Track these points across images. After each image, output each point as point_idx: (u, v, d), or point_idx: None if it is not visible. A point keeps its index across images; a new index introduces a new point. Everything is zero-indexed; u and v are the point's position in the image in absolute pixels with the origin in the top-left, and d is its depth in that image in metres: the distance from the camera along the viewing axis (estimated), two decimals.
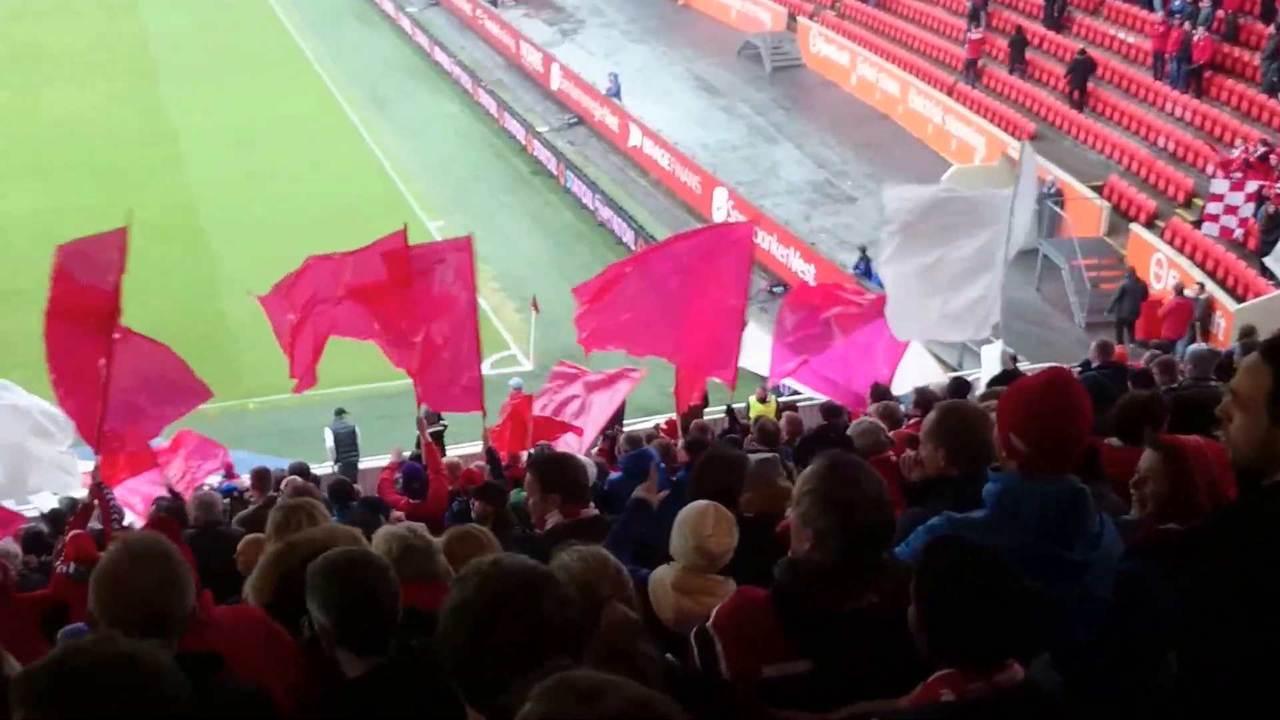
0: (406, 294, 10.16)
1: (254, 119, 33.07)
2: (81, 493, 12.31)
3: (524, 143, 32.05)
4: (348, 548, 3.22)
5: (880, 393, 10.85)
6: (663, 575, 3.96)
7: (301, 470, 11.16)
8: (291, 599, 3.39)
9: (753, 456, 5.53)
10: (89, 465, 12.22)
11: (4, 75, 35.61)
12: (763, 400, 15.43)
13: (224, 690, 2.66)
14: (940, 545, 2.67)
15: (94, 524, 8.78)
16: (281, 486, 9.86)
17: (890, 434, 7.22)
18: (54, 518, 11.27)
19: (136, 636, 2.66)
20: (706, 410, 13.10)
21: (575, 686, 1.68)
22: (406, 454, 11.72)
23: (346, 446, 15.66)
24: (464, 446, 14.38)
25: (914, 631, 2.67)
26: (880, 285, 13.05)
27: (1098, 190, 23.65)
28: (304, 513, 4.15)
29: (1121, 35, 26.81)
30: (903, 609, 2.74)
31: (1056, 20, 28.19)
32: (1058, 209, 23.23)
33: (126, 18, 42.48)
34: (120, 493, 10.81)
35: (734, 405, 11.54)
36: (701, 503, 4.02)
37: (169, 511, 10.44)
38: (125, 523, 10.35)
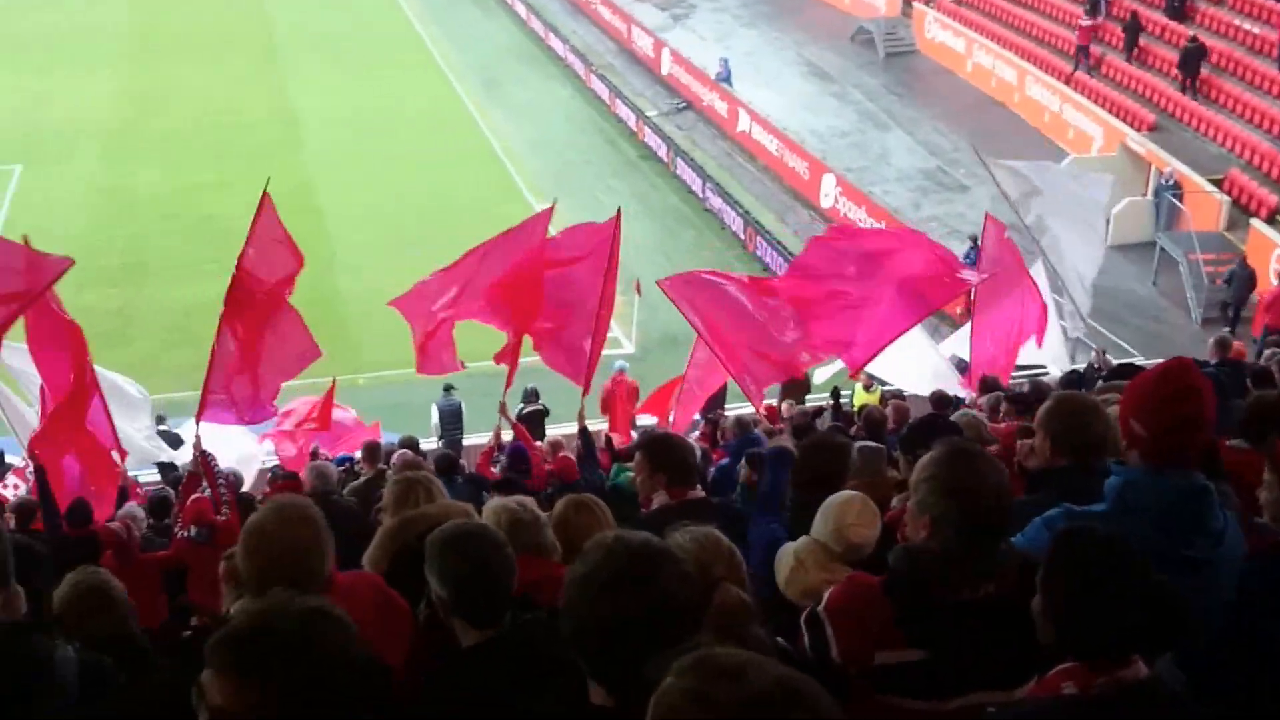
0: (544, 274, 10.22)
1: (371, 101, 33.63)
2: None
3: (633, 128, 32.08)
4: (466, 521, 3.25)
5: (989, 384, 10.63)
6: (791, 546, 3.97)
7: (411, 444, 11.30)
8: (407, 573, 3.44)
9: (858, 445, 5.46)
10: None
11: (140, 58, 36.68)
12: (868, 388, 15.21)
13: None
14: (1073, 535, 2.58)
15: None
16: (391, 460, 10.02)
17: (992, 427, 7.08)
18: (173, 480, 11.61)
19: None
20: (807, 397, 12.97)
21: (719, 663, 1.64)
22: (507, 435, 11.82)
23: (451, 423, 15.83)
24: (568, 427, 14.51)
25: (1039, 623, 2.60)
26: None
27: (1217, 184, 22.86)
28: (422, 488, 4.18)
29: (1246, 25, 25.85)
30: (1019, 599, 2.67)
31: (1178, 9, 27.27)
32: (1176, 202, 22.53)
33: (254, 2, 43.47)
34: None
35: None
36: (852, 491, 4.00)
37: (285, 479, 10.69)
38: (244, 487, 10.64)
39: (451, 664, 2.89)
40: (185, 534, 8.23)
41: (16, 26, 38.66)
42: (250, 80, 35.12)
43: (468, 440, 15.37)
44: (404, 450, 10.09)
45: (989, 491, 2.83)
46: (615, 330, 21.60)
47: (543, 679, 2.55)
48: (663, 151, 30.15)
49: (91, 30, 38.77)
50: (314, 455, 12.58)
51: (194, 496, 8.49)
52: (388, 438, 12.37)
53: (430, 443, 14.79)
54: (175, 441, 13.09)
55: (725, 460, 7.91)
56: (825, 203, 26.29)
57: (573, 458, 8.88)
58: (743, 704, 1.58)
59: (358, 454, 11.78)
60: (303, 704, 2.06)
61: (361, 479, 9.94)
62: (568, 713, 2.29)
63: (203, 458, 9.15)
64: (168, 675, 3.54)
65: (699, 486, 4.74)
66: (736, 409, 13.29)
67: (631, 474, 8.53)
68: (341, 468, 11.43)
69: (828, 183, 26.54)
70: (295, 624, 2.11)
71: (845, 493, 4.01)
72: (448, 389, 15.83)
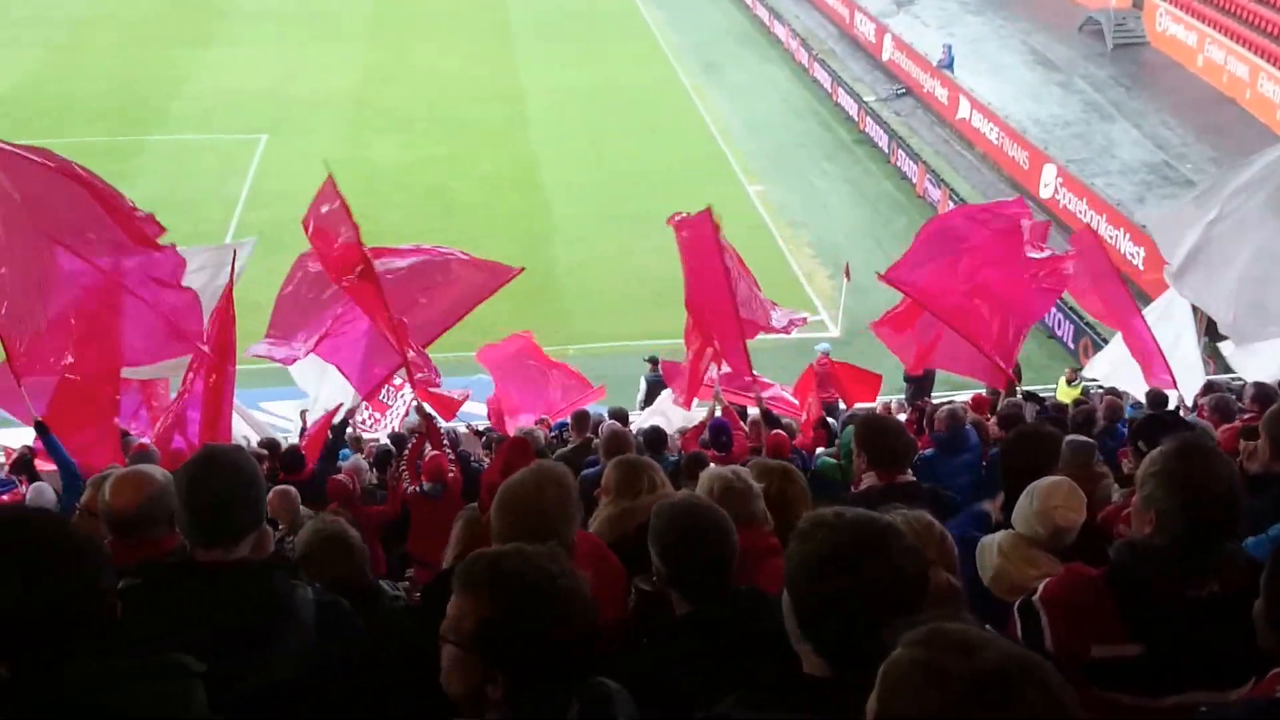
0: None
1: (595, 80, 34.20)
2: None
3: (849, 112, 31.62)
4: (690, 496, 3.27)
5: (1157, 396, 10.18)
6: (994, 538, 3.89)
7: (620, 416, 11.45)
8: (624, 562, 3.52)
9: (1068, 439, 5.28)
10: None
11: (381, 36, 38.22)
12: (1071, 383, 14.67)
13: None
14: None
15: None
16: (599, 431, 10.19)
17: (1220, 430, 6.72)
18: (396, 440, 12.10)
19: None
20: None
21: (951, 636, 1.62)
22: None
23: (657, 396, 15.97)
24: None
25: (1259, 626, 2.48)
26: None
27: None
28: (646, 475, 4.19)
29: None
30: (1243, 600, 2.56)
31: None
32: None
33: None
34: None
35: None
36: (1058, 476, 3.91)
37: (515, 441, 11.02)
38: (460, 448, 11.03)
39: (666, 632, 2.93)
40: (417, 488, 8.60)
41: (271, 4, 40.81)
42: (482, 58, 36.15)
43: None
44: (612, 421, 10.25)
45: (1219, 489, 2.72)
46: (821, 313, 21.47)
47: (753, 650, 2.57)
48: (878, 135, 29.61)
49: (338, 9, 40.59)
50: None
51: (431, 453, 8.84)
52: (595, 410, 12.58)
53: (635, 415, 15.00)
54: None
55: (931, 450, 7.73)
56: (1044, 193, 25.33)
57: (785, 435, 8.84)
58: (975, 677, 1.55)
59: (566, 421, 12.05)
60: (536, 626, 2.16)
61: (570, 446, 10.15)
62: (780, 684, 2.29)
63: (428, 419, 9.52)
64: (401, 619, 3.72)
65: (909, 471, 4.67)
66: (943, 398, 13.02)
67: (830, 459, 8.48)
68: (553, 435, 11.71)
69: (1048, 173, 25.56)
70: (541, 557, 2.25)
71: (1052, 477, 3.89)
72: (653, 361, 15.96)
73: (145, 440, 9.22)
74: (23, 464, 10.38)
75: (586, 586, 2.25)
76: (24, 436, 11.12)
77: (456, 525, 4.12)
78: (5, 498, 11.75)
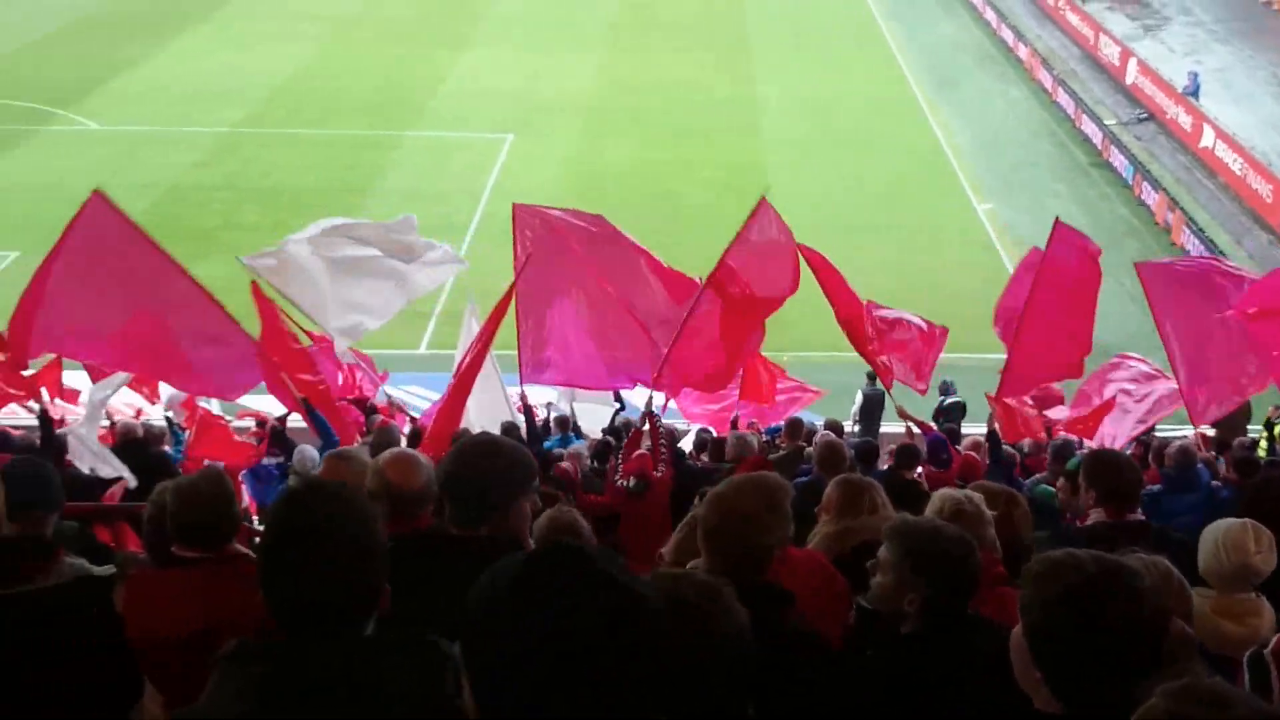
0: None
1: (829, 90, 33.89)
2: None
3: (1089, 135, 30.30)
4: (933, 519, 3.23)
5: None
6: (1199, 602, 3.67)
7: (835, 428, 11.34)
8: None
9: None
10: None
11: (623, 42, 38.95)
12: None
13: (787, 628, 2.77)
14: None
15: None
16: (814, 440, 10.12)
17: None
18: (614, 433, 12.31)
19: (734, 562, 2.84)
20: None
21: (1205, 691, 1.64)
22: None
23: (872, 410, 15.73)
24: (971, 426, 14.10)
25: None
26: None
27: None
28: (868, 495, 4.17)
29: None
30: None
31: None
32: None
33: None
34: None
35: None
36: (1235, 521, 3.68)
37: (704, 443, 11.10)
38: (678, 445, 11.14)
39: (893, 649, 2.91)
40: (624, 484, 8.76)
41: (522, 9, 42.15)
42: (719, 66, 36.33)
43: (885, 428, 15.23)
44: (827, 432, 10.17)
45: None
46: None
47: (977, 678, 2.52)
48: (1123, 164, 28.22)
49: (584, 16, 41.57)
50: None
51: (638, 452, 8.97)
52: (810, 417, 12.46)
53: (848, 427, 14.80)
54: None
55: (1158, 487, 7.36)
56: None
57: (976, 457, 8.59)
58: None
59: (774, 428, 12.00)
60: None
61: (782, 453, 10.13)
62: (1004, 714, 2.26)
63: (650, 416, 9.64)
64: None
65: (1138, 509, 4.48)
66: (1170, 431, 12.35)
67: (1048, 487, 8.18)
68: (765, 439, 11.69)
69: None
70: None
71: (1229, 523, 3.66)
72: (872, 376, 15.69)
73: (385, 418, 9.71)
74: (276, 436, 11.13)
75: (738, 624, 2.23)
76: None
77: (679, 529, 4.18)
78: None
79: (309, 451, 9.40)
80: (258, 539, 3.73)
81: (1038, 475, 9.38)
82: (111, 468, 8.83)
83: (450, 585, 2.74)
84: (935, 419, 14.85)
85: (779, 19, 41.57)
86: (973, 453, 9.24)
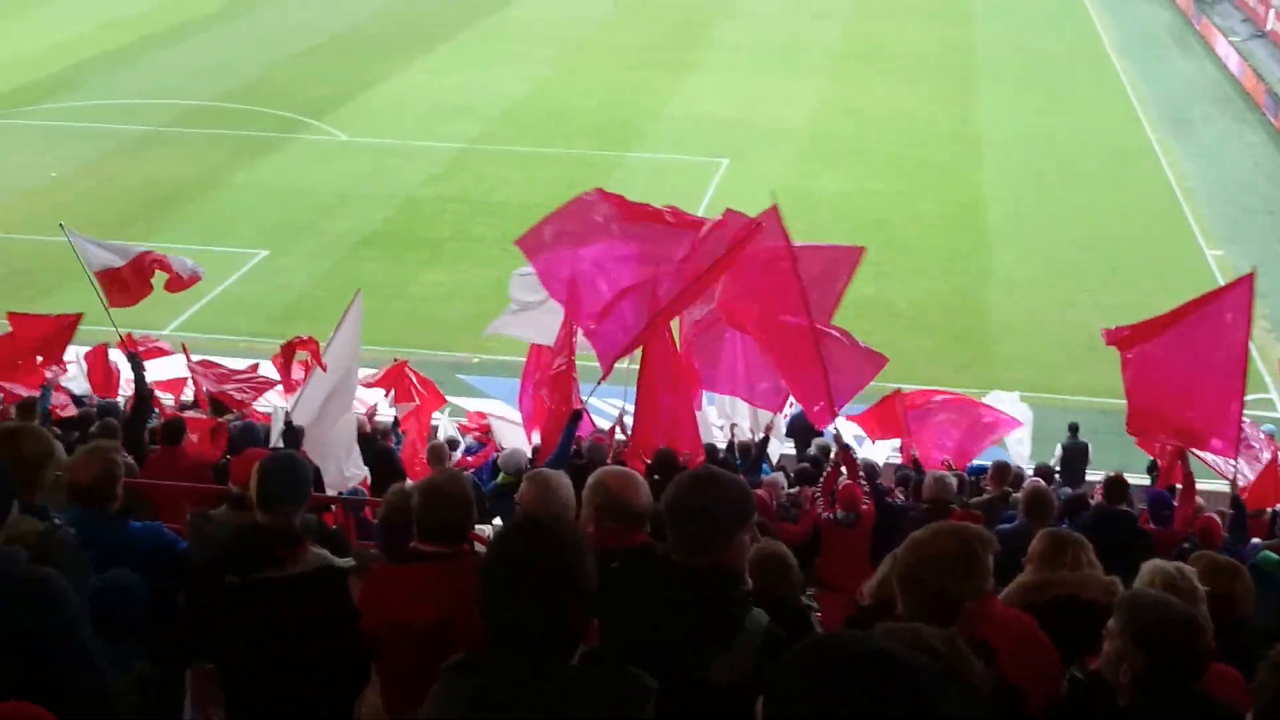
0: None
1: (1056, 128, 32.73)
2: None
3: None
4: (1163, 594, 3.13)
5: None
6: None
7: (1045, 474, 10.96)
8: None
9: None
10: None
11: (843, 68, 38.69)
12: None
13: (985, 680, 2.73)
14: None
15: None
16: (1022, 486, 9.79)
17: None
18: (814, 460, 12.24)
19: (924, 608, 2.82)
20: None
21: None
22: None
23: (1075, 462, 14.98)
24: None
25: None
26: None
27: None
28: (1072, 549, 4.05)
29: None
30: None
31: None
32: None
33: (959, 27, 44.02)
34: None
35: None
36: None
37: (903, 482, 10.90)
38: (877, 480, 11.00)
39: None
40: (831, 515, 8.70)
41: (747, 36, 42.38)
42: (943, 98, 35.61)
43: (1092, 475, 14.56)
44: (1036, 479, 9.84)
45: None
46: (1271, 391, 19.43)
47: None
48: None
49: (808, 43, 41.47)
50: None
51: (846, 482, 8.91)
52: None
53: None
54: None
55: None
56: None
57: (1217, 519, 8.10)
58: None
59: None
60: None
61: (986, 497, 9.85)
62: None
63: (844, 450, 9.52)
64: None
65: None
66: None
67: (1272, 554, 7.67)
68: (970, 477, 11.41)
69: None
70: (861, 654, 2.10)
71: None
72: (1074, 429, 15.03)
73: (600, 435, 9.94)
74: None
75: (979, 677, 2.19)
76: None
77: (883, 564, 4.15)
78: (472, 460, 13.09)
79: (521, 455, 9.72)
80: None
81: (1258, 541, 8.82)
82: (357, 468, 9.38)
83: (673, 614, 2.83)
84: (1062, 462, 14.23)
85: (1008, 53, 40.48)
86: (1214, 515, 8.73)
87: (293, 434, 9.18)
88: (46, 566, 2.96)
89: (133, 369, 9.75)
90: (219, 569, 3.70)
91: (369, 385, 14.05)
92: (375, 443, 11.97)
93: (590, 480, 3.76)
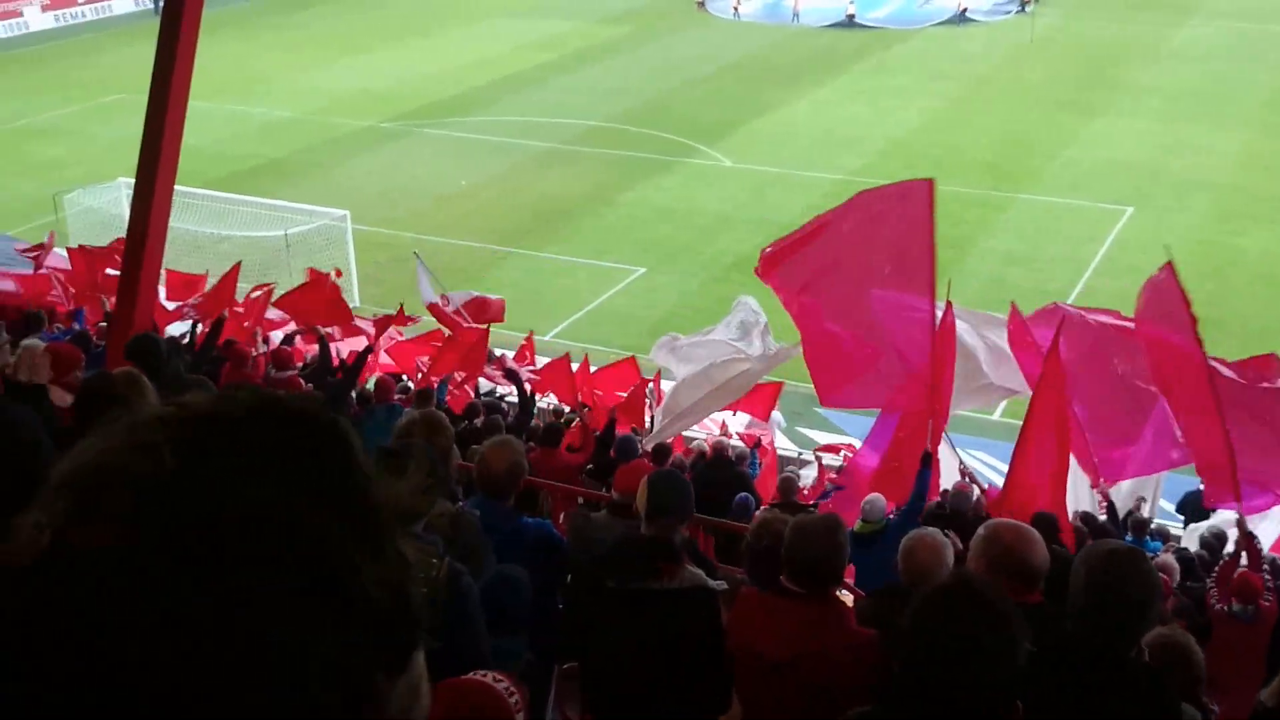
0: None
1: None
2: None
3: None
4: None
5: None
6: None
7: None
8: None
9: None
10: None
11: (1273, 119, 35.44)
12: None
13: None
14: None
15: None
16: None
17: None
18: (1208, 546, 11.21)
19: None
20: None
21: None
22: None
23: None
24: None
25: None
26: None
27: None
28: None
29: None
30: None
31: None
32: None
33: None
34: None
35: None
36: None
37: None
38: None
39: None
40: (1225, 607, 7.95)
41: (1163, 80, 39.72)
42: None
43: None
44: None
45: None
46: None
47: None
48: None
49: (1235, 90, 38.32)
50: None
51: (1242, 571, 8.13)
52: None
53: None
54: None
55: None
56: None
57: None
58: None
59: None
60: None
61: None
62: None
63: (1247, 537, 8.66)
64: None
65: None
66: None
67: None
68: None
69: None
70: None
71: None
72: None
73: None
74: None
75: None
76: None
77: None
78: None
79: (881, 502, 9.53)
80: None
81: None
82: None
83: (1107, 706, 2.68)
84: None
85: None
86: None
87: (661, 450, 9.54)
88: (457, 548, 3.22)
89: (515, 383, 10.54)
90: (600, 573, 3.89)
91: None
92: (730, 468, 12.20)
93: (982, 532, 3.65)
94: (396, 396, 11.18)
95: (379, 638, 0.74)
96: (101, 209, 25.88)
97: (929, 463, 8.67)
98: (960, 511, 8.34)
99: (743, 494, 10.08)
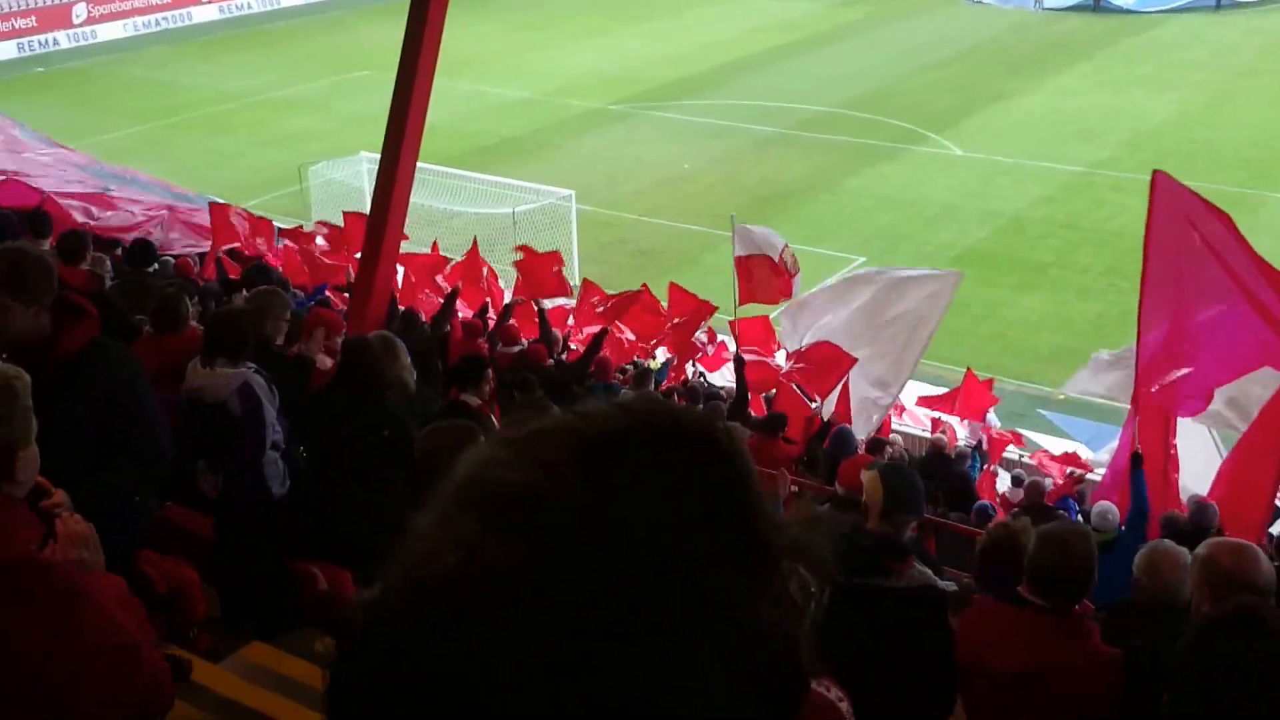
0: None
1: None
2: None
3: None
4: None
5: None
6: None
7: None
8: None
9: None
10: None
11: None
12: None
13: None
14: None
15: None
16: None
17: None
18: None
19: None
20: None
21: None
22: None
23: None
24: None
25: None
26: None
27: None
28: None
29: None
30: None
31: None
32: None
33: None
34: None
35: None
36: None
37: None
38: None
39: None
40: None
41: None
42: None
43: None
44: None
45: None
46: None
47: None
48: None
49: None
50: None
51: None
52: None
53: None
54: None
55: None
56: None
57: None
58: None
59: None
60: None
61: None
62: None
63: None
64: None
65: None
66: None
67: None
68: None
69: None
70: None
71: None
72: None
73: None
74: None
75: None
76: None
77: None
78: None
79: (1113, 512, 9.12)
80: None
81: None
82: None
83: None
84: None
85: None
86: None
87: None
88: None
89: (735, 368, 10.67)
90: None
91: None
92: (949, 465, 11.89)
93: (1200, 553, 3.51)
94: (615, 376, 11.38)
95: (768, 686, 0.73)
96: (343, 181, 27.27)
97: (1139, 464, 8.28)
98: (1203, 528, 7.85)
99: (983, 501, 9.93)
